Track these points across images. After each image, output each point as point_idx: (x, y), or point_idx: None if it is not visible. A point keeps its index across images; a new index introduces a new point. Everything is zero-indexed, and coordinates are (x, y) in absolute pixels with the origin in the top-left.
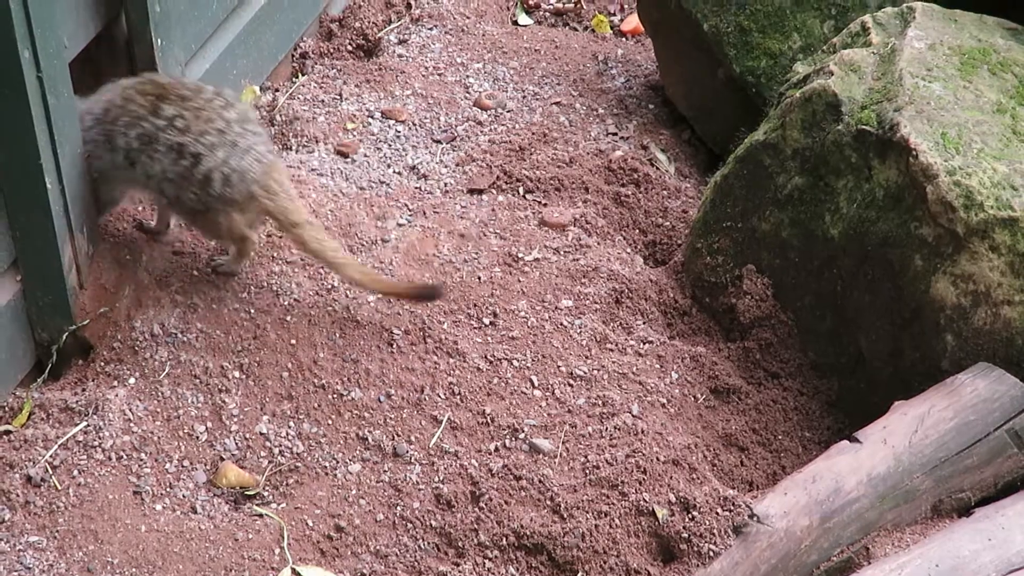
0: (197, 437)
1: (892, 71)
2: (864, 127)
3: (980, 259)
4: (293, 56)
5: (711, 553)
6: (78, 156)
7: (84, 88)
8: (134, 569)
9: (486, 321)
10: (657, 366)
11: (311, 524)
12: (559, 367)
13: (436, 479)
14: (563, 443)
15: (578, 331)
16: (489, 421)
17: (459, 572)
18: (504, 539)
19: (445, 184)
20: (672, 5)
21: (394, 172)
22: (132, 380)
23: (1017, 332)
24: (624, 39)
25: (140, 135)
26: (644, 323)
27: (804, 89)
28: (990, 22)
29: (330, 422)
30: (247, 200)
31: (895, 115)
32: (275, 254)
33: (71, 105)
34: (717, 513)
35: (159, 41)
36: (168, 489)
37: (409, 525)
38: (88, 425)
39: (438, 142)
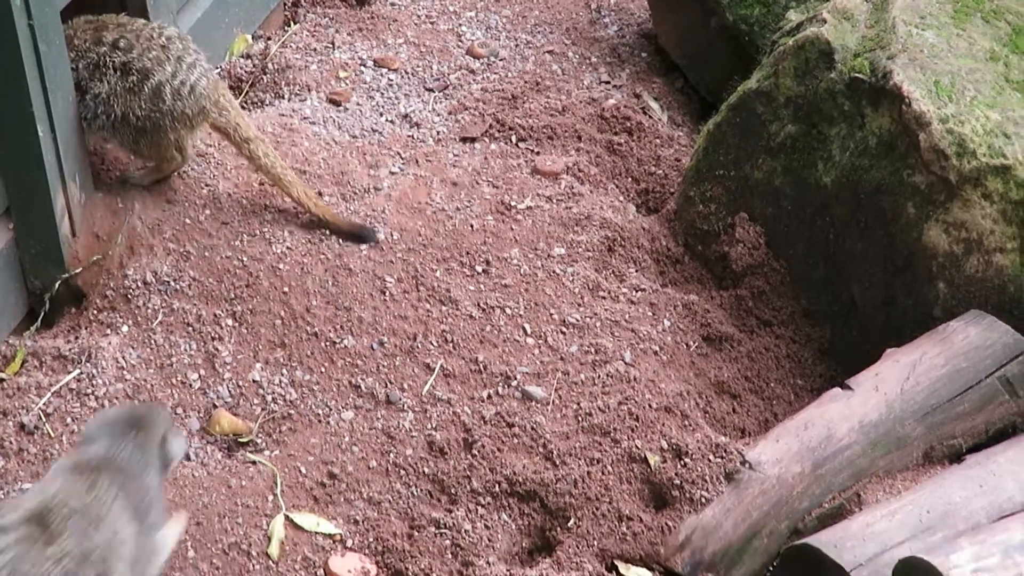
0: (190, 385)
1: (885, 19)
2: (857, 75)
3: (972, 207)
4: (285, 5)
5: (703, 499)
6: (70, 104)
7: None
8: None
9: (479, 269)
10: (649, 314)
11: (304, 471)
12: (551, 315)
13: (429, 426)
14: (556, 390)
15: (571, 279)
16: (482, 369)
17: (452, 518)
18: (497, 486)
19: (437, 132)
20: None
21: (386, 120)
22: (125, 328)
23: (1009, 279)
24: None
25: (87, 65)
26: (637, 271)
27: (797, 37)
28: None
29: (323, 370)
30: (197, 115)
31: (888, 63)
32: (267, 202)
33: (63, 53)
34: (709, 460)
35: None
36: None
37: (402, 472)
38: (81, 373)
39: (430, 90)
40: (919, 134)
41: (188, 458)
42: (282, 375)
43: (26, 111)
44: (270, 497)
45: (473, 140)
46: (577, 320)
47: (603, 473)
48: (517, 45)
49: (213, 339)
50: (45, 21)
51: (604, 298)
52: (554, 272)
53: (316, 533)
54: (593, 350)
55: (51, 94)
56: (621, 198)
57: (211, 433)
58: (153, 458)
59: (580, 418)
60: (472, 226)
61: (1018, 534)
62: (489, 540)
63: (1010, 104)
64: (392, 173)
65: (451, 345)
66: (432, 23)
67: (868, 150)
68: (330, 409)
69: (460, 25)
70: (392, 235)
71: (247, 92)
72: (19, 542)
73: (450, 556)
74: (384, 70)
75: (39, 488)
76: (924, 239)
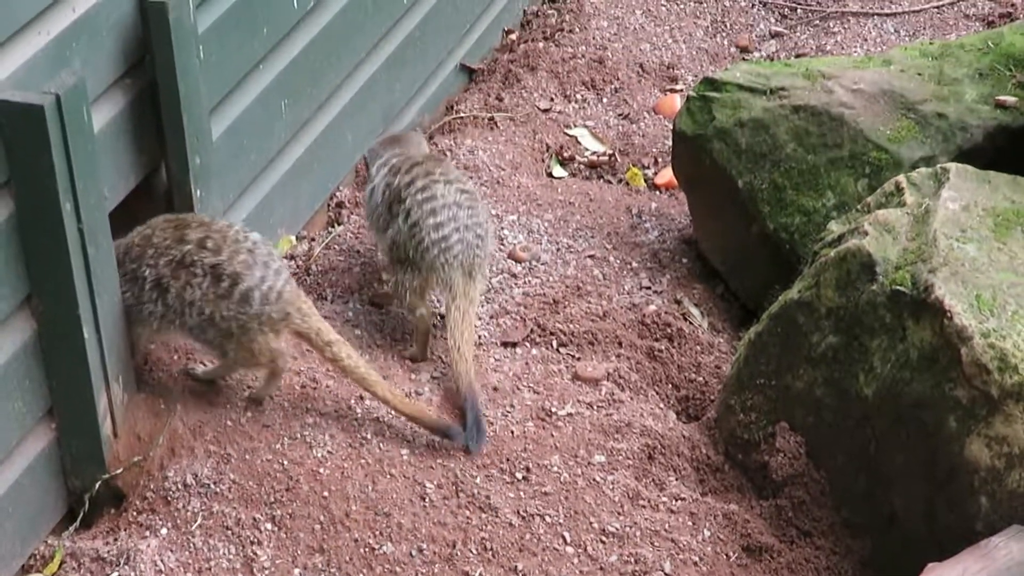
0: None
1: (926, 232)
2: (898, 288)
3: (1014, 421)
4: (329, 205)
5: None
6: (116, 305)
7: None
8: None
9: (519, 476)
10: (689, 523)
11: None
12: (591, 523)
13: None
14: None
15: (611, 487)
16: None
17: None
18: None
19: (479, 337)
20: (707, 161)
21: None
22: (164, 530)
23: None
24: (658, 192)
25: (168, 262)
26: (676, 479)
27: (839, 248)
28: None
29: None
30: (282, 319)
31: (929, 276)
32: (308, 406)
33: (109, 255)
34: None
35: (198, 192)
36: None
37: None
38: (119, 575)
39: None
40: (961, 348)
41: None
42: None
43: (73, 313)
44: None
45: (514, 345)
46: (617, 529)
47: None
48: (559, 249)
49: (252, 543)
50: (94, 224)
51: (644, 507)
52: (594, 480)
53: None
54: (633, 560)
55: (97, 296)
56: (661, 405)
57: None
58: None
59: None
60: (512, 432)
61: None
62: None
63: None
64: (433, 378)
65: (490, 553)
66: None
67: (909, 363)
68: None
69: (502, 229)
70: (433, 441)
71: None
72: None
73: None
74: None
75: None
76: (966, 453)
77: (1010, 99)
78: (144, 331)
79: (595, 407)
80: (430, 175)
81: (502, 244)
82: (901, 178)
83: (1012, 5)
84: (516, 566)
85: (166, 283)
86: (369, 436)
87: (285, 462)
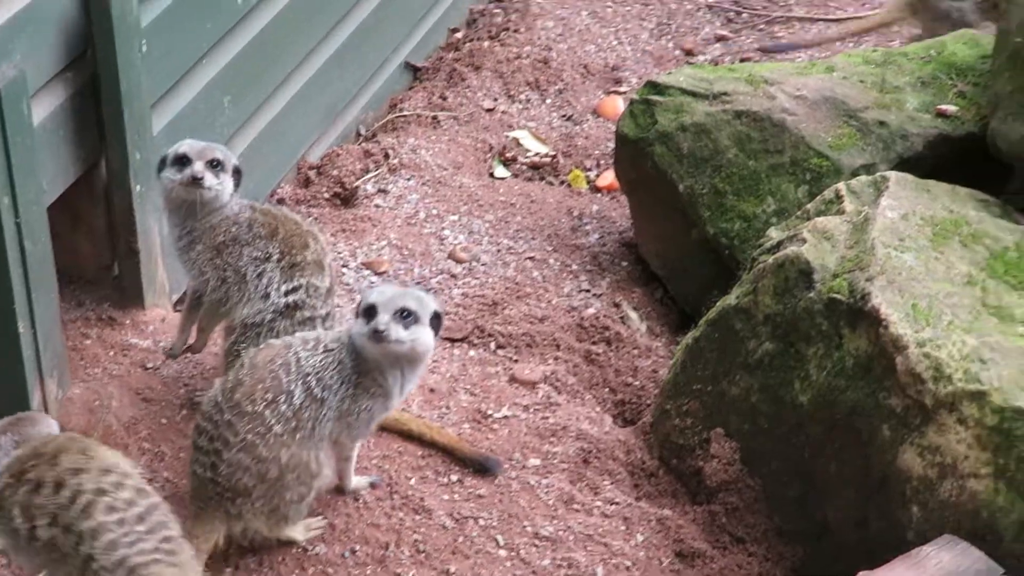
0: None
1: (865, 240)
2: (835, 296)
3: (948, 431)
4: (270, 202)
5: None
6: (52, 301)
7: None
8: None
9: (453, 478)
10: (623, 528)
11: None
12: (525, 527)
13: None
14: None
15: (545, 491)
16: None
17: None
18: None
19: None
20: (648, 165)
21: None
22: None
23: (982, 505)
24: (600, 195)
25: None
26: (611, 483)
27: (777, 255)
28: (962, 193)
29: None
30: None
31: (866, 285)
32: None
33: (47, 250)
34: None
35: (137, 187)
36: None
37: None
38: None
39: None
40: (896, 357)
41: None
42: None
43: (8, 307)
44: None
45: (452, 346)
46: (550, 533)
47: None
48: (499, 250)
49: None
50: (31, 219)
51: (578, 511)
52: (528, 483)
53: None
54: (566, 564)
55: (33, 291)
56: (598, 409)
57: None
58: None
59: None
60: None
61: None
62: None
63: (986, 329)
64: None
65: (423, 555)
66: (415, 226)
67: (845, 371)
68: None
69: (443, 228)
70: (368, 441)
71: None
72: None
73: None
74: (367, 272)
75: None
76: (899, 462)
77: (951, 108)
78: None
79: (531, 410)
80: None
81: (442, 244)
82: (840, 186)
83: None
84: (449, 568)
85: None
86: None
87: None
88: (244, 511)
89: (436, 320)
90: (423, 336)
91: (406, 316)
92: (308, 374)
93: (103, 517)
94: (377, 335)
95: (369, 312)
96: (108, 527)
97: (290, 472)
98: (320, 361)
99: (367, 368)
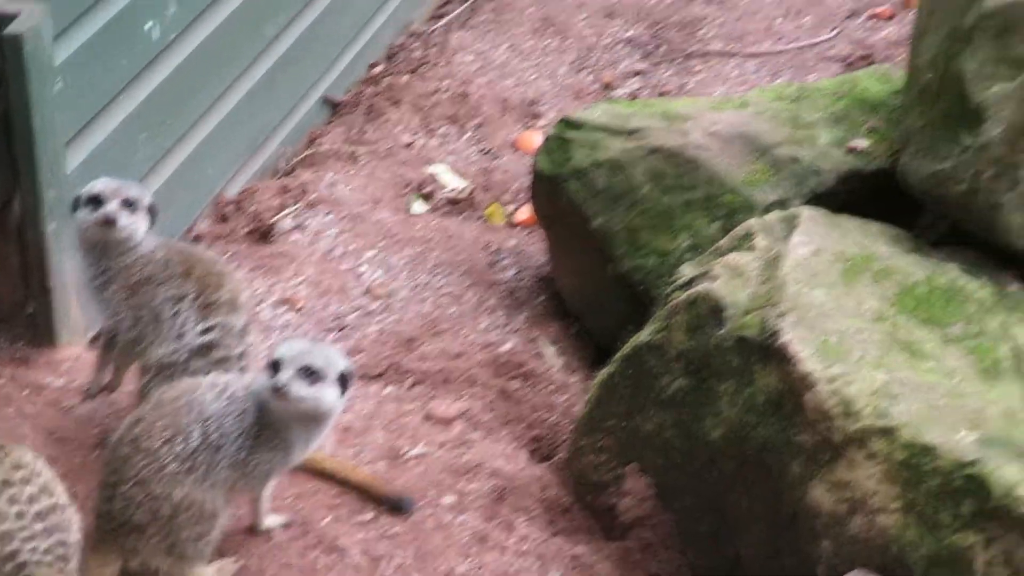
0: None
1: (775, 276)
2: (746, 333)
3: (857, 467)
4: (187, 238)
5: None
6: None
7: None
8: None
9: (368, 517)
10: (537, 565)
11: None
12: (439, 566)
13: None
14: None
15: (459, 528)
16: None
17: None
18: None
19: None
20: (564, 201)
21: None
22: None
23: (892, 540)
24: (517, 229)
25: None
26: (526, 521)
27: (689, 292)
28: (874, 229)
29: None
30: None
31: (777, 321)
32: None
33: None
34: None
35: (52, 225)
36: None
37: None
38: None
39: (329, 331)
40: (805, 394)
41: None
42: None
43: None
44: None
45: (368, 383)
46: (465, 571)
47: None
48: (416, 286)
49: None
50: None
51: (492, 549)
52: (443, 522)
53: None
54: None
55: None
56: (514, 445)
57: None
58: None
59: None
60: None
61: None
62: None
63: (896, 365)
64: None
65: None
66: (332, 261)
67: (756, 407)
68: None
69: (360, 264)
70: (282, 480)
71: None
72: None
73: None
74: (283, 309)
75: None
76: (808, 498)
77: (861, 143)
78: None
79: (447, 447)
80: None
81: (359, 280)
82: (752, 222)
83: (871, 47)
84: None
85: None
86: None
87: None
88: (139, 547)
89: (343, 380)
90: (326, 395)
91: (310, 374)
92: (208, 418)
93: (2, 506)
94: (277, 391)
95: (274, 366)
96: (6, 516)
97: (183, 511)
98: (223, 407)
99: (270, 421)
